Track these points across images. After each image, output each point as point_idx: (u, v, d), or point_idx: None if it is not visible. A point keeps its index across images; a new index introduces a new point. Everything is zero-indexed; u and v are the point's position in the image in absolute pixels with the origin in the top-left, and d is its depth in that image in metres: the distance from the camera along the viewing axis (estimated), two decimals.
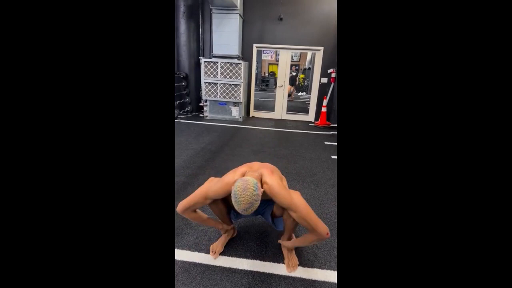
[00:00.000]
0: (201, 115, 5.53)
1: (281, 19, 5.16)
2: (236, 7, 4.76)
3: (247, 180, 1.08)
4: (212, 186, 1.25)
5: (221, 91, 5.13)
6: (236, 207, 1.07)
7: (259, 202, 1.07)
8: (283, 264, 1.38)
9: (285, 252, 1.43)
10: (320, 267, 1.39)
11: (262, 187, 1.16)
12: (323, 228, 1.14)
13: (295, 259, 1.39)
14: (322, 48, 5.22)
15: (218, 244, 1.47)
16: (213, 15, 4.92)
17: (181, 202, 1.28)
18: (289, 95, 6.51)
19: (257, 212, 1.45)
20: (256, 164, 1.33)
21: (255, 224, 1.75)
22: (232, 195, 1.08)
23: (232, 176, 1.23)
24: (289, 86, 6.03)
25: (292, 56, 6.24)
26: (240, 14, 4.95)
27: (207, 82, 5.13)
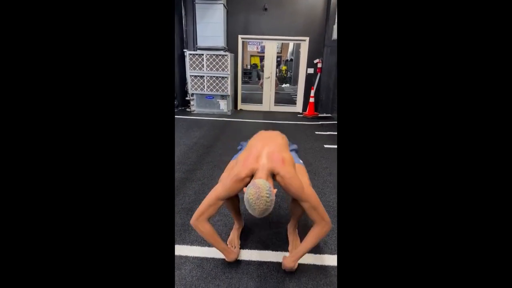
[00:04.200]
0: (188, 109, 5.40)
1: (265, 9, 5.10)
2: None
3: (260, 186, 1.02)
4: (221, 186, 1.19)
5: (208, 84, 5.04)
6: (251, 212, 1.05)
7: (273, 205, 1.06)
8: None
9: (290, 238, 1.45)
10: (330, 253, 1.42)
11: (275, 178, 1.15)
12: (328, 218, 1.17)
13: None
14: (307, 39, 5.23)
15: (235, 238, 1.46)
16: (196, 5, 4.77)
17: (194, 214, 1.20)
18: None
19: None
20: (261, 142, 1.28)
21: None
22: (245, 201, 1.05)
23: (240, 169, 1.14)
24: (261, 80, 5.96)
25: None
26: (224, 5, 4.83)
27: (192, 75, 5.01)
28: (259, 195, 1.00)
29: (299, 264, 1.32)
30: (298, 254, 1.24)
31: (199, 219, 1.18)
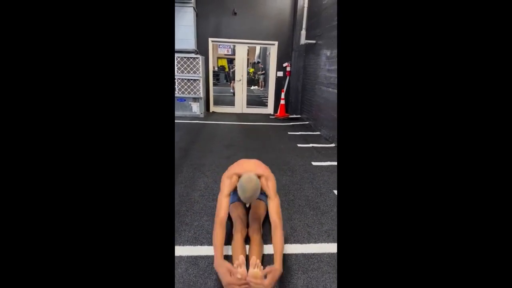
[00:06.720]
0: None
1: (235, 13, 5.20)
2: (190, 0, 4.63)
3: (250, 175, 1.35)
4: (224, 187, 1.42)
5: (179, 86, 4.97)
6: (242, 195, 1.33)
7: (259, 192, 1.36)
8: (289, 244, 1.51)
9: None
10: (315, 242, 1.55)
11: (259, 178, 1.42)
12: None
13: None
14: (276, 43, 5.43)
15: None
16: None
17: (215, 217, 1.31)
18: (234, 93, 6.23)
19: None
20: (246, 164, 1.56)
21: None
22: (238, 186, 1.34)
23: (231, 179, 1.44)
24: (234, 82, 5.98)
25: None
26: (194, 7, 4.83)
27: None
28: (250, 179, 1.32)
29: (291, 254, 1.43)
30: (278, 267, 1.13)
31: (222, 223, 1.29)
